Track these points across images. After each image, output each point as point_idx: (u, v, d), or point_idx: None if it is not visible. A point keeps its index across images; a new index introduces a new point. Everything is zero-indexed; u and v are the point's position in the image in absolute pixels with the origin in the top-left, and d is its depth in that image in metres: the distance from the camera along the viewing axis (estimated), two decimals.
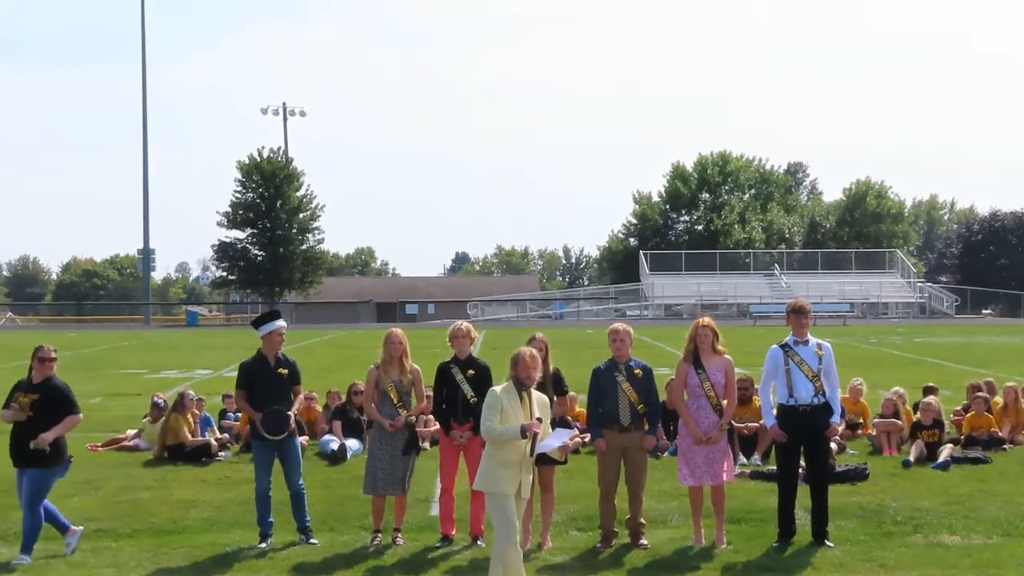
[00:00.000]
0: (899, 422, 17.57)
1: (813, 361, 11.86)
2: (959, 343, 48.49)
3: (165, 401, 19.12)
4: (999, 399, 18.89)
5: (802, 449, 12.03)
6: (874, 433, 17.74)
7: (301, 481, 12.41)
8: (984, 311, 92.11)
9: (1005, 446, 17.57)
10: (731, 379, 12.07)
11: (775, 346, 12.06)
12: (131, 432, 18.90)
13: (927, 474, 15.64)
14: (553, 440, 9.89)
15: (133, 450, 18.21)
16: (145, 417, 19.16)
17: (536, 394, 9.94)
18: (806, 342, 11.95)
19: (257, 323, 12.68)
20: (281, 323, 12.58)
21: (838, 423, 12.33)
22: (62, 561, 11.44)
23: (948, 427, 18.09)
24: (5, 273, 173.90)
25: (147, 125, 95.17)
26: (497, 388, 9.85)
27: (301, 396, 13.10)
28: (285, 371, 12.43)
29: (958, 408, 19.48)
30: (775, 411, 12.07)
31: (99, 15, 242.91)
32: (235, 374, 12.88)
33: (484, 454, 9.95)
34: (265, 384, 12.30)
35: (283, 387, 12.37)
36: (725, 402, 11.98)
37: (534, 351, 9.96)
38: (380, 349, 12.40)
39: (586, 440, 13.96)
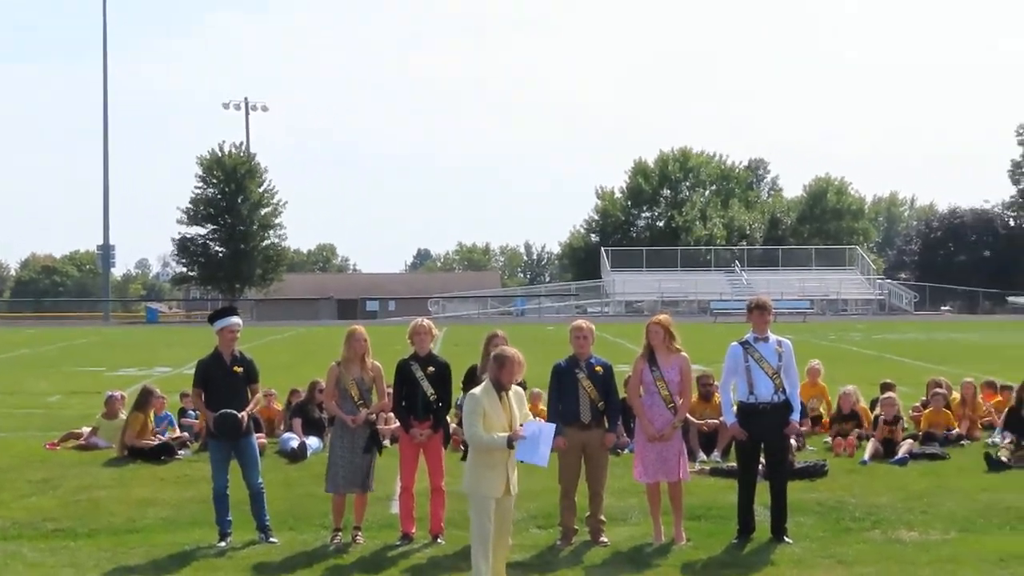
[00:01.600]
0: (851, 437, 17.38)
1: (773, 358, 11.89)
2: (918, 340, 48.81)
3: (121, 396, 19.02)
4: (956, 395, 19.02)
5: (762, 446, 12.09)
6: (829, 440, 17.67)
7: (260, 480, 12.35)
8: (943, 308, 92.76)
9: (963, 442, 17.69)
10: (687, 377, 12.09)
11: (735, 343, 12.09)
12: (87, 429, 18.73)
13: (885, 470, 15.73)
14: (543, 448, 9.81)
15: (90, 448, 18.06)
16: (100, 414, 19.01)
17: (513, 389, 9.93)
18: (766, 339, 11.98)
19: (212, 318, 12.62)
20: (235, 319, 12.47)
21: (798, 420, 12.37)
22: (19, 561, 11.34)
23: (907, 423, 18.20)
24: None
25: (108, 120, 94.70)
26: (477, 391, 9.82)
27: (259, 395, 13.03)
28: (240, 369, 12.35)
29: (917, 404, 19.61)
30: (735, 409, 12.11)
31: (59, 9, 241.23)
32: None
33: (468, 459, 9.93)
34: (220, 383, 12.23)
35: (239, 385, 12.30)
36: (680, 400, 12.00)
37: (521, 356, 9.95)
38: (342, 346, 12.36)
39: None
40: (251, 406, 12.49)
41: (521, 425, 9.74)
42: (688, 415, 13.65)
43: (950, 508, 13.22)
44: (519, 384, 10.38)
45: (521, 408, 9.92)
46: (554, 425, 10.18)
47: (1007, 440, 16.73)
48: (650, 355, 12.00)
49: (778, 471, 12.06)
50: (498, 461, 9.65)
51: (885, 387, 19.17)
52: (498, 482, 9.65)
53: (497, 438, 9.55)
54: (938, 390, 18.70)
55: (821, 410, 19.08)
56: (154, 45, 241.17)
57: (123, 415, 18.66)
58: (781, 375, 11.86)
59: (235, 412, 12.07)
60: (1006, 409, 17.84)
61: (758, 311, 12.04)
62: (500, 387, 9.74)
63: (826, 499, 13.77)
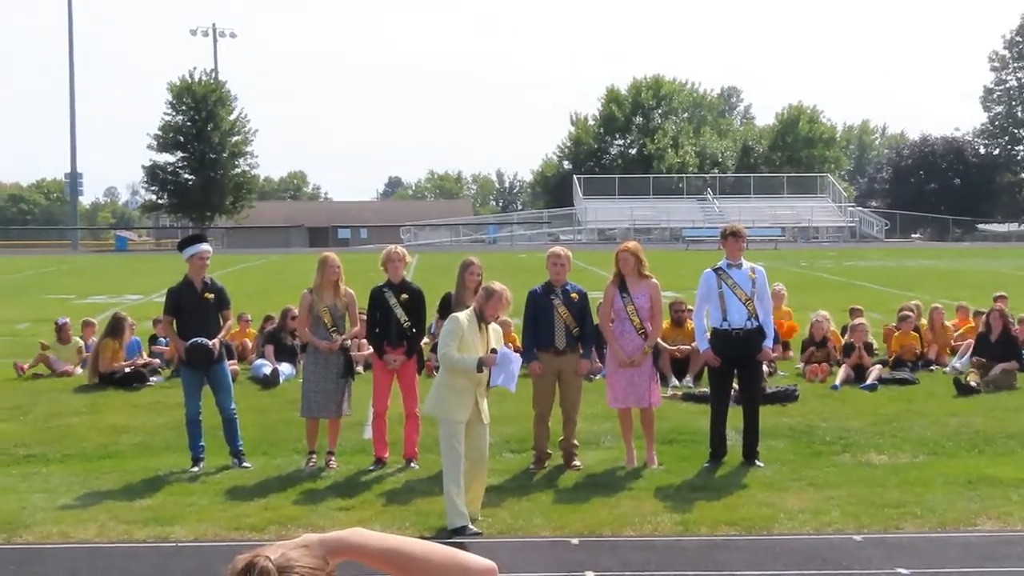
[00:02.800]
0: (824, 364, 17.48)
1: (747, 285, 11.91)
2: (889, 267, 49.04)
3: (88, 324, 19.09)
4: (925, 321, 19.14)
5: (735, 372, 12.15)
6: (801, 366, 17.78)
7: (233, 405, 12.34)
8: (913, 235, 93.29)
9: (931, 367, 17.84)
10: (656, 303, 12.11)
11: (708, 270, 12.10)
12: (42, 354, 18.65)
13: (855, 395, 15.86)
14: (513, 369, 9.94)
15: (51, 368, 18.06)
16: (53, 339, 19.03)
17: (492, 324, 10.01)
18: (739, 266, 11.99)
19: (181, 246, 12.56)
20: (204, 246, 12.41)
21: (771, 347, 12.41)
22: None
23: (877, 347, 18.32)
24: None
25: (73, 47, 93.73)
26: (461, 315, 9.88)
27: (231, 322, 12.99)
28: (212, 296, 12.31)
29: (889, 326, 19.65)
30: (708, 335, 12.15)
31: None
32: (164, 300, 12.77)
33: (437, 380, 10.00)
34: (192, 310, 12.19)
35: (210, 313, 12.27)
36: (650, 326, 12.02)
37: (510, 294, 9.99)
38: (315, 273, 12.32)
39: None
40: (223, 333, 12.46)
41: (493, 350, 9.78)
42: (660, 340, 13.69)
43: (919, 432, 13.35)
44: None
45: (498, 344, 9.97)
46: (520, 358, 10.26)
47: (970, 364, 16.86)
48: (620, 282, 12.01)
49: (751, 396, 12.13)
50: (466, 386, 9.70)
51: (854, 312, 19.26)
52: (463, 407, 9.71)
53: (467, 359, 9.59)
54: (907, 313, 18.81)
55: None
56: None
57: (76, 339, 18.76)
58: (754, 301, 11.88)
59: (206, 340, 12.04)
60: (975, 335, 17.96)
61: (732, 238, 12.04)
62: (482, 318, 9.80)
63: (797, 423, 13.88)
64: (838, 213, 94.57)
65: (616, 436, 12.78)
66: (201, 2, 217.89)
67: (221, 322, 12.42)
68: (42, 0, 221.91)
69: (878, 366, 16.99)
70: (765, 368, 16.42)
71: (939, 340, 18.72)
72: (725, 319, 11.91)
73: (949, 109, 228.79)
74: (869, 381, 16.36)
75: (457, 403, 9.71)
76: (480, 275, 11.92)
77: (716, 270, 12.03)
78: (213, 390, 12.27)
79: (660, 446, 12.35)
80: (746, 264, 12.04)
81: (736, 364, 12.03)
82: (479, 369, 9.64)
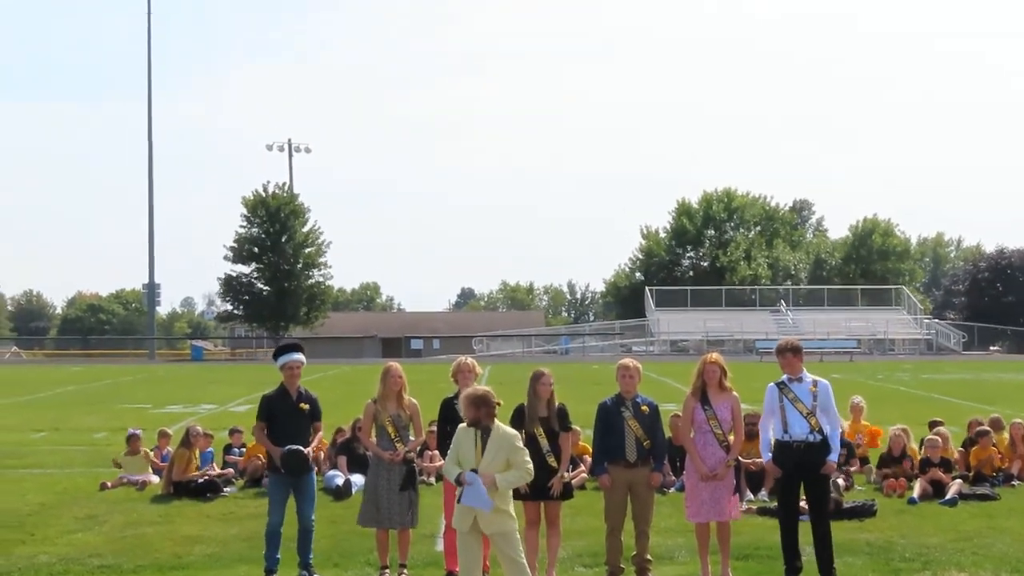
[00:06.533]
0: (902, 479, 17.21)
1: (807, 398, 11.82)
2: (966, 379, 48.34)
3: (138, 434, 19.22)
4: (1006, 435, 18.81)
5: (801, 485, 12.00)
6: (875, 480, 17.53)
7: (313, 516, 12.36)
8: (992, 348, 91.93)
9: (1013, 483, 17.50)
10: (738, 415, 12.03)
11: (771, 384, 12.06)
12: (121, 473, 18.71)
13: (935, 510, 15.56)
14: (476, 488, 9.52)
15: (131, 484, 18.15)
16: (124, 452, 19.13)
17: (500, 431, 9.76)
18: (800, 379, 11.93)
19: (276, 354, 12.68)
20: (297, 356, 12.52)
21: (835, 461, 12.21)
22: None
23: (954, 464, 18.00)
24: (10, 308, 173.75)
25: (152, 160, 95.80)
26: (461, 425, 9.85)
27: (321, 433, 13.08)
28: (307, 406, 12.40)
29: (960, 448, 19.34)
30: (771, 447, 12.06)
31: (105, 49, 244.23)
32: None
33: None
34: (285, 418, 12.27)
35: (303, 422, 12.34)
36: (732, 438, 11.94)
37: (480, 393, 9.82)
38: (378, 383, 12.38)
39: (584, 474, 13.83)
40: (315, 443, 12.53)
41: (474, 470, 9.60)
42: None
43: (1001, 549, 13.06)
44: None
45: (500, 453, 9.63)
46: (478, 478, 9.54)
47: None
48: (702, 394, 11.95)
49: (819, 511, 11.96)
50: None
51: (933, 426, 18.97)
52: (463, 517, 9.64)
53: (452, 471, 9.62)
54: (983, 428, 18.50)
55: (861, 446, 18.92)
56: (198, 85, 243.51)
57: (145, 451, 18.93)
58: (817, 415, 11.78)
59: (301, 448, 12.10)
60: None
61: (790, 353, 12.00)
62: (471, 424, 9.72)
63: (875, 539, 13.63)
64: (914, 325, 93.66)
65: (690, 551, 12.62)
66: (278, 117, 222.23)
67: (312, 432, 12.48)
68: (123, 113, 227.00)
69: (958, 481, 16.69)
70: (842, 482, 16.26)
71: (1021, 455, 18.34)
72: (786, 431, 11.82)
73: None
74: (949, 496, 16.06)
75: (458, 512, 9.71)
76: (551, 385, 11.86)
77: (778, 384, 11.99)
78: (297, 499, 12.28)
79: (735, 561, 12.18)
80: (808, 377, 11.96)
81: (800, 477, 11.89)
82: (457, 483, 9.58)
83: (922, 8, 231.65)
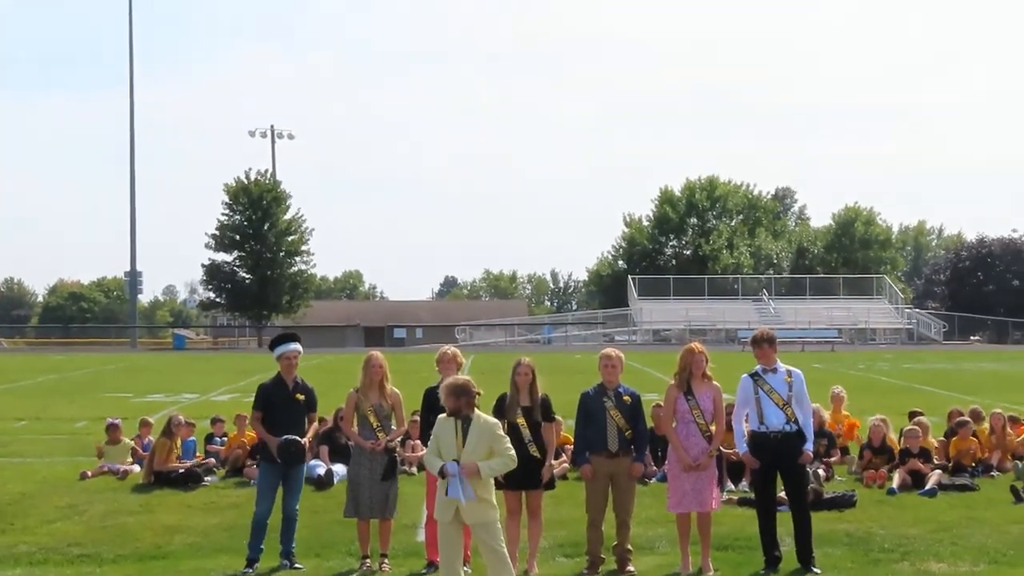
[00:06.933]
0: (882, 470, 17.27)
1: (783, 388, 11.86)
2: (947, 369, 48.54)
3: (117, 423, 19.15)
4: (986, 426, 18.87)
5: (778, 476, 12.04)
6: (855, 470, 17.60)
7: (297, 506, 12.38)
8: (972, 338, 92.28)
9: (993, 473, 17.56)
10: (719, 405, 12.06)
11: (745, 375, 12.09)
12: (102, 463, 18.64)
13: (914, 501, 15.61)
14: (455, 482, 9.54)
15: (113, 473, 18.09)
16: (104, 441, 19.05)
17: (480, 420, 9.76)
18: (775, 370, 11.96)
19: (272, 344, 12.66)
20: (293, 346, 12.50)
21: (811, 450, 12.26)
22: None
23: (933, 454, 18.05)
24: None
25: (134, 147, 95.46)
26: (439, 416, 9.84)
27: (315, 424, 13.06)
28: (302, 397, 12.40)
29: (940, 438, 19.41)
30: (747, 438, 12.08)
31: (86, 35, 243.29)
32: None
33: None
34: (281, 408, 12.28)
35: (299, 413, 12.35)
36: (714, 428, 11.97)
37: (460, 383, 9.82)
38: (360, 373, 12.38)
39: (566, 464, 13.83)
40: (309, 434, 12.53)
41: (456, 460, 9.60)
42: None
43: (979, 540, 13.11)
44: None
45: (481, 442, 9.65)
46: (456, 468, 9.56)
47: None
48: (684, 384, 11.97)
49: (797, 501, 12.00)
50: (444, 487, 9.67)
51: (912, 416, 19.03)
52: (445, 508, 9.65)
53: (435, 463, 9.62)
54: (963, 419, 18.56)
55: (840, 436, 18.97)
56: (180, 72, 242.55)
57: (126, 440, 18.89)
58: (792, 405, 11.82)
59: (299, 438, 12.11)
60: None
61: (766, 343, 12.02)
62: (451, 414, 9.72)
63: (855, 530, 13.68)
64: (895, 315, 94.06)
65: (671, 541, 12.65)
66: (260, 104, 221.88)
67: (307, 423, 12.49)
68: (104, 101, 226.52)
69: (937, 472, 16.74)
70: (822, 472, 16.31)
71: (1000, 445, 18.42)
72: (762, 422, 11.86)
73: (1006, 210, 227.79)
74: (928, 487, 16.12)
75: (441, 503, 9.70)
76: (528, 375, 11.83)
77: (752, 375, 12.01)
78: (285, 489, 12.30)
79: (715, 552, 12.21)
80: (782, 368, 11.99)
81: (777, 467, 11.93)
82: (440, 475, 9.57)
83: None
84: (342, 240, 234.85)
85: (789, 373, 11.96)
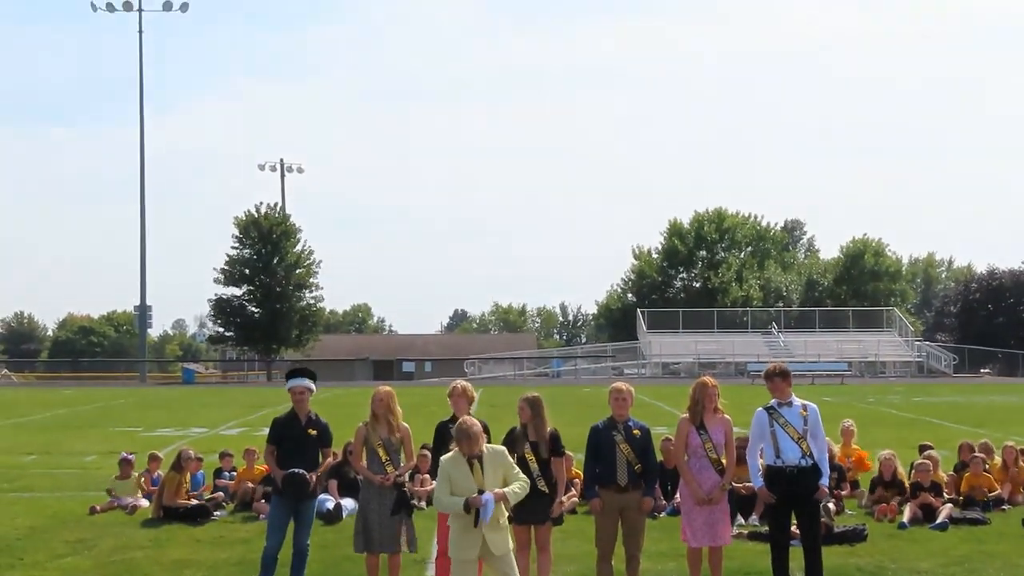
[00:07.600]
0: (892, 503, 17.23)
1: (798, 423, 11.82)
2: (957, 402, 48.34)
3: (130, 458, 19.13)
4: (997, 459, 18.81)
5: (792, 511, 12.00)
6: (866, 504, 17.55)
7: (308, 541, 12.37)
8: (982, 370, 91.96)
9: (1004, 507, 17.49)
10: (730, 439, 12.04)
11: (761, 409, 12.05)
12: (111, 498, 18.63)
13: (925, 535, 15.56)
14: (488, 509, 9.55)
15: (124, 508, 18.08)
16: (114, 476, 19.04)
17: (489, 451, 9.83)
18: (790, 404, 11.93)
19: (287, 376, 12.70)
20: (304, 381, 12.50)
21: (826, 484, 12.23)
22: None
23: (945, 483, 17.99)
24: (0, 330, 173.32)
25: (144, 181, 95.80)
26: (445, 457, 9.83)
27: (329, 459, 13.04)
28: (315, 432, 12.39)
29: (951, 472, 19.35)
30: (762, 472, 12.05)
31: (96, 71, 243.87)
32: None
33: (450, 520, 9.91)
34: (292, 442, 12.29)
35: (311, 447, 12.34)
36: (725, 461, 11.95)
37: (478, 428, 9.80)
38: (369, 407, 12.39)
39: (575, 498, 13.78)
40: (321, 468, 12.53)
41: (481, 491, 9.61)
42: None
43: (991, 574, 13.08)
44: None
45: (497, 471, 9.74)
46: (491, 498, 9.62)
47: None
48: (697, 417, 11.96)
49: (810, 535, 11.96)
50: (469, 523, 9.62)
51: (923, 450, 18.97)
52: (470, 544, 9.62)
53: (455, 500, 9.57)
54: (976, 454, 18.49)
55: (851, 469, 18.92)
56: (190, 107, 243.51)
57: (134, 475, 18.87)
58: (807, 439, 11.79)
59: (303, 471, 12.10)
60: None
61: (779, 377, 12.00)
62: (471, 458, 9.72)
63: (866, 564, 13.63)
64: (905, 348, 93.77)
65: (681, 575, 12.59)
66: (270, 138, 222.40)
67: (320, 458, 12.49)
68: (115, 135, 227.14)
69: (948, 505, 16.68)
70: (832, 506, 16.25)
71: (1012, 479, 18.34)
72: (778, 457, 11.82)
73: (1017, 242, 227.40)
74: (939, 520, 16.06)
75: (464, 541, 9.67)
76: (527, 409, 11.74)
77: (768, 409, 11.98)
78: (296, 523, 12.31)
79: None
80: (797, 402, 11.96)
81: (792, 502, 11.89)
82: (466, 509, 9.55)
83: (913, 28, 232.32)
84: (351, 274, 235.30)
85: (804, 407, 11.93)
